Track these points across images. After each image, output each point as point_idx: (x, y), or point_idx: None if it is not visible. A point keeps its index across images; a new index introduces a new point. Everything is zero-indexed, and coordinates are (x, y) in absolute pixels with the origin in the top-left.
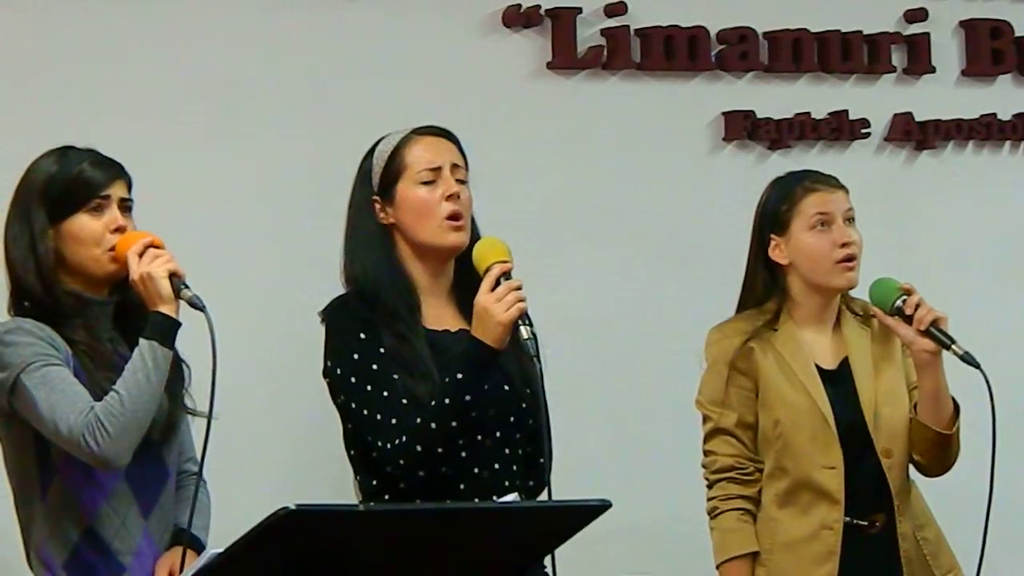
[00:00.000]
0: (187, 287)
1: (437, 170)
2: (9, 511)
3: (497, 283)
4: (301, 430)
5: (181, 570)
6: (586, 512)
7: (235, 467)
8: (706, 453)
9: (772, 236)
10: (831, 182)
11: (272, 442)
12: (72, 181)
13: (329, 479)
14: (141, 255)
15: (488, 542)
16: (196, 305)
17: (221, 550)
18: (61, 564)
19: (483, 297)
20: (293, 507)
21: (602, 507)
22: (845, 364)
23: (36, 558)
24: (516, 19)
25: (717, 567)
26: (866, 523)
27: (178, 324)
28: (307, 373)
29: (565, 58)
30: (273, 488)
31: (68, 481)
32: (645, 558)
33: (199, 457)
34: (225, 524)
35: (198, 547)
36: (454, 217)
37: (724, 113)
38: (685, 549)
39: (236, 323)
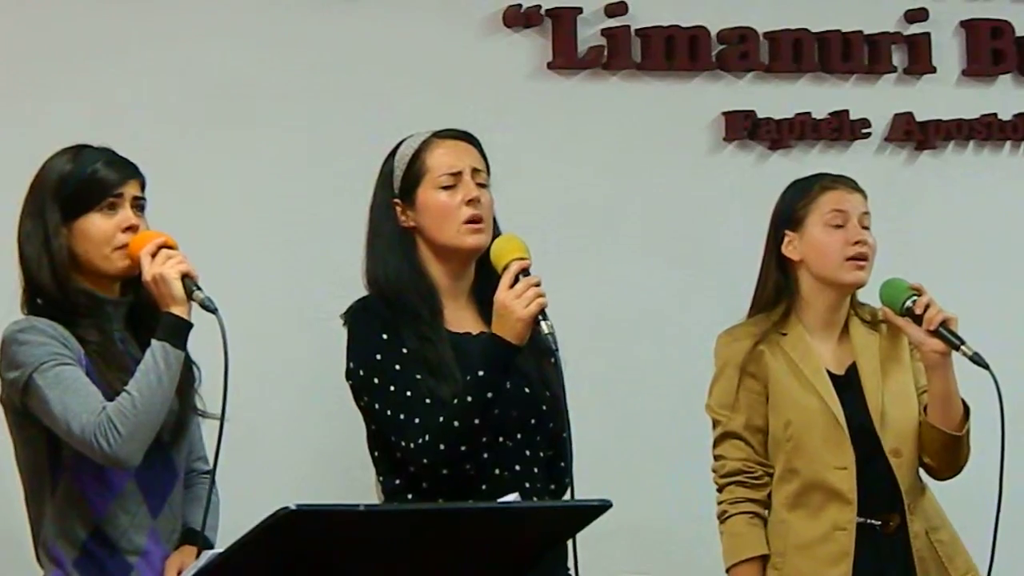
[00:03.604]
0: (199, 289)
1: (457, 174)
2: (20, 507)
3: (516, 279)
4: (310, 431)
5: None
6: (586, 512)
7: (244, 468)
8: (716, 458)
9: (786, 232)
10: (850, 184)
11: (281, 443)
12: (86, 180)
13: (338, 480)
14: (154, 255)
15: (489, 542)
16: (208, 307)
17: (222, 550)
18: (71, 562)
19: (502, 294)
20: (293, 507)
21: (602, 507)
22: (853, 369)
23: (46, 555)
24: (516, 19)
25: (727, 571)
26: (880, 523)
27: (190, 325)
28: (317, 374)
29: (566, 58)
30: (281, 489)
31: (78, 480)
32: (646, 558)
33: (211, 458)
34: (234, 524)
35: (208, 548)
36: (474, 220)
37: (724, 113)
38: (686, 549)
39: (245, 324)
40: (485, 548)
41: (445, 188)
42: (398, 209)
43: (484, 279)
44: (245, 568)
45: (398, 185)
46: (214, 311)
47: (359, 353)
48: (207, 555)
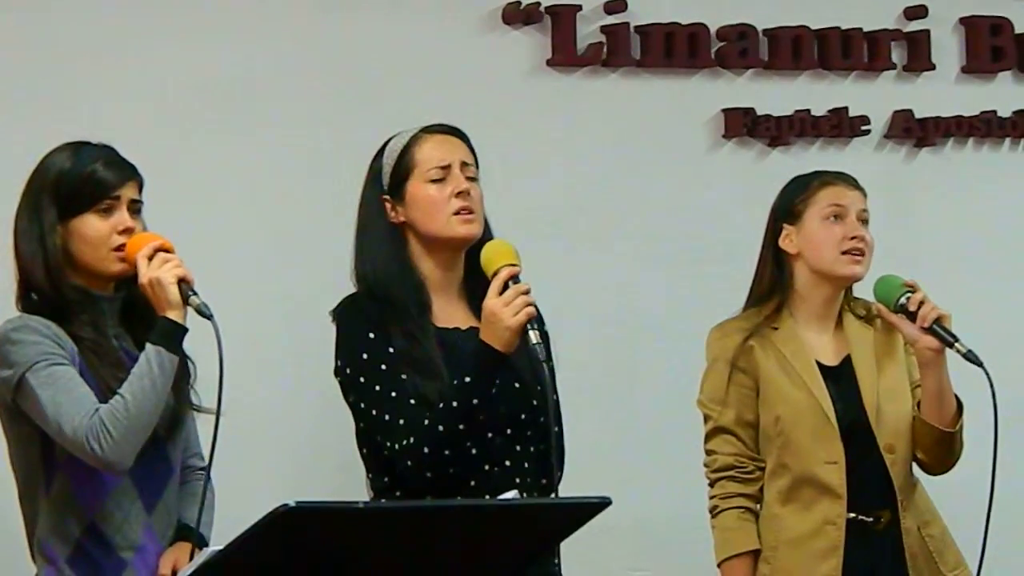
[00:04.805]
0: (195, 294)
1: (447, 168)
2: (14, 505)
3: (506, 287)
4: (305, 429)
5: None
6: (586, 509)
7: (239, 465)
8: (707, 452)
9: (784, 225)
10: (850, 181)
11: (276, 440)
12: (84, 180)
13: (333, 478)
14: (151, 259)
15: (488, 540)
16: (203, 313)
17: (221, 547)
18: (64, 559)
19: (491, 301)
20: (293, 504)
21: (602, 504)
22: (847, 361)
23: (40, 552)
24: (516, 16)
25: (718, 565)
26: (871, 519)
27: (185, 330)
28: (311, 372)
29: (565, 55)
30: (276, 486)
31: (71, 477)
32: (645, 555)
33: (207, 455)
34: (229, 520)
35: (202, 544)
36: (464, 211)
37: (724, 110)
38: (685, 546)
39: (240, 321)
40: (484, 545)
41: (434, 181)
42: (388, 205)
43: (474, 273)
44: (243, 565)
45: (387, 181)
46: (209, 317)
47: (346, 351)
48: (205, 552)
